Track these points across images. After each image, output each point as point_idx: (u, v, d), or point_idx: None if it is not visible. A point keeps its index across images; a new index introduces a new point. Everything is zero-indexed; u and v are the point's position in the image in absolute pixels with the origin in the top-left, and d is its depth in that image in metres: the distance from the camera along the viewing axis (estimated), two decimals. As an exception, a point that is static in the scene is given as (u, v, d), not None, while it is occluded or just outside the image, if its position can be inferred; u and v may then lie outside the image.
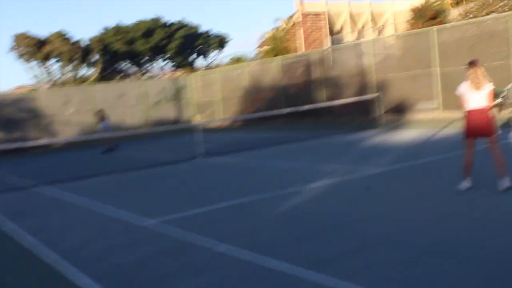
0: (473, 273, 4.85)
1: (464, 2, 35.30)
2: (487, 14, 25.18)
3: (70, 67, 40.33)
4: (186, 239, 7.00)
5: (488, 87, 7.87)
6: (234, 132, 26.38)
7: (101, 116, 22.05)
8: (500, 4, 25.51)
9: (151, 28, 43.38)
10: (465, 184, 8.15)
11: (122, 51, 42.55)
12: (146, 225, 8.12)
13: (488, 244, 5.57)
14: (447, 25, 23.47)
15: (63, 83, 39.22)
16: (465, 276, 4.78)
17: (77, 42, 40.21)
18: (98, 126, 22.38)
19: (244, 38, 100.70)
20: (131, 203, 10.06)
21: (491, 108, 7.94)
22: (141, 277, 5.73)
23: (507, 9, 24.49)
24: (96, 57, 41.27)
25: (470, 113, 7.96)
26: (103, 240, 7.52)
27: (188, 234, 7.21)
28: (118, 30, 43.37)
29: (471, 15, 26.59)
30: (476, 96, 7.87)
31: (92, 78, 39.35)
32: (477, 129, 7.95)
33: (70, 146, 27.34)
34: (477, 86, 7.83)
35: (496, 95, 8.41)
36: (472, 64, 7.94)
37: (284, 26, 42.73)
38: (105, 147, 21.14)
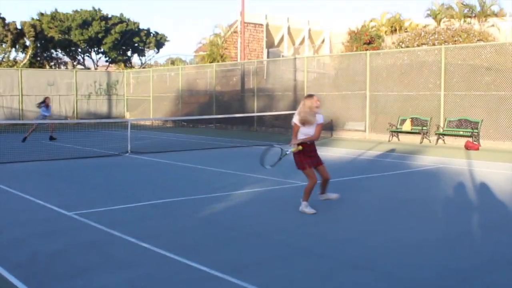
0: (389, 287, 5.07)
1: (398, 32, 36.64)
2: (419, 45, 26.23)
3: (-1, 49, 38.90)
4: (108, 234, 6.93)
5: (319, 120, 8.06)
6: (164, 132, 26.17)
7: (43, 102, 20.93)
8: (431, 38, 26.63)
9: (88, 19, 42.50)
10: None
11: (56, 39, 41.44)
12: (67, 216, 7.97)
13: (407, 261, 5.84)
14: (381, 51, 24.29)
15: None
16: (378, 290, 4.98)
17: (9, 24, 38.81)
18: (39, 111, 21.43)
19: (182, 41, 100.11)
20: (53, 193, 9.84)
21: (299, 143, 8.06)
22: (58, 268, 5.62)
23: (437, 43, 25.61)
24: (28, 42, 39.99)
25: (304, 145, 8.15)
26: (20, 228, 7.31)
27: (110, 229, 7.13)
28: (54, 17, 42.23)
29: (403, 45, 27.60)
30: (307, 130, 8.09)
31: (22, 64, 38.05)
32: (312, 159, 8.23)
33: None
34: (309, 121, 8.02)
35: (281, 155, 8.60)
36: (308, 98, 8.09)
37: (223, 33, 42.89)
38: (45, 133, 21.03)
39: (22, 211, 8.44)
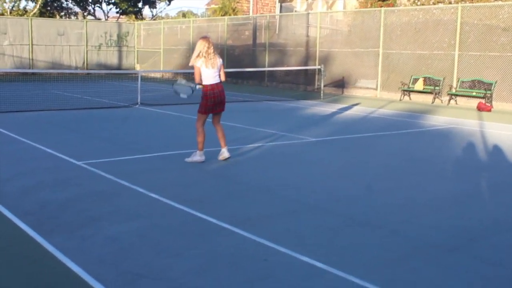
0: (397, 245, 5.07)
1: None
2: (434, 3, 25.73)
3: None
4: (116, 184, 6.95)
5: (220, 62, 8.32)
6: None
7: None
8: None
9: (99, -32, 41.87)
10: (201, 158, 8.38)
11: (66, -11, 40.97)
12: (76, 165, 8.00)
13: (416, 220, 5.83)
14: (396, 8, 23.87)
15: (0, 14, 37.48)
16: (389, 248, 4.99)
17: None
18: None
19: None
20: (62, 143, 9.86)
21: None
22: (68, 216, 5.65)
23: (453, 1, 25.10)
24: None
25: (211, 87, 8.24)
26: (31, 176, 7.35)
27: (118, 179, 7.15)
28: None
29: (419, 2, 27.09)
30: (213, 71, 8.17)
31: (32, 13, 37.72)
32: (218, 104, 8.41)
33: (4, 78, 26.35)
34: (213, 62, 8.12)
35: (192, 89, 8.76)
36: (205, 39, 8.15)
37: (236, -14, 42.19)
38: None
39: (32, 159, 8.48)
